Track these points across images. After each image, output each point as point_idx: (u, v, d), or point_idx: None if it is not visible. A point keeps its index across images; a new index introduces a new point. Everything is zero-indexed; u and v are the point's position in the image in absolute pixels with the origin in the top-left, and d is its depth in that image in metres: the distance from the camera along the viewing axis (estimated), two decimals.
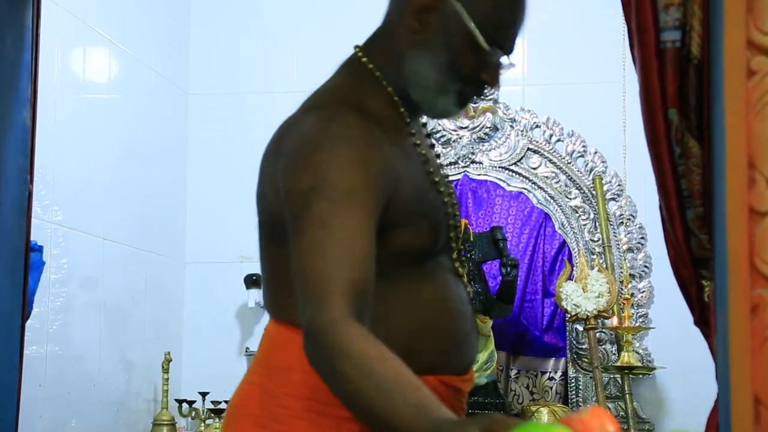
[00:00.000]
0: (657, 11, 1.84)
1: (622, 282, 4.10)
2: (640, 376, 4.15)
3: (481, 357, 3.99)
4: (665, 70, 1.84)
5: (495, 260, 4.13)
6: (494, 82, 1.69)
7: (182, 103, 4.61)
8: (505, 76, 1.73)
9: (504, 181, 4.41)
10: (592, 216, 4.32)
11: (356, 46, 1.74)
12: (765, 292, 1.51)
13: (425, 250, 1.68)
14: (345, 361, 1.44)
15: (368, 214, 1.55)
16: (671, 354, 4.14)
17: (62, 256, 3.57)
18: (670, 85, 1.84)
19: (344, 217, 1.53)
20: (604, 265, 4.17)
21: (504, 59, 1.69)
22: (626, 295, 4.04)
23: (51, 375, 3.47)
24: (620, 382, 4.10)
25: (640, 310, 4.25)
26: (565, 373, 4.26)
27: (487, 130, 4.45)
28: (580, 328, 4.20)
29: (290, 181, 1.58)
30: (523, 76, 4.52)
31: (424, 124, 1.84)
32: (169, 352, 4.07)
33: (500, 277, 4.05)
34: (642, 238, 4.29)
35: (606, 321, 4.11)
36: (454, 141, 4.45)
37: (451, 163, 4.44)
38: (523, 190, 4.39)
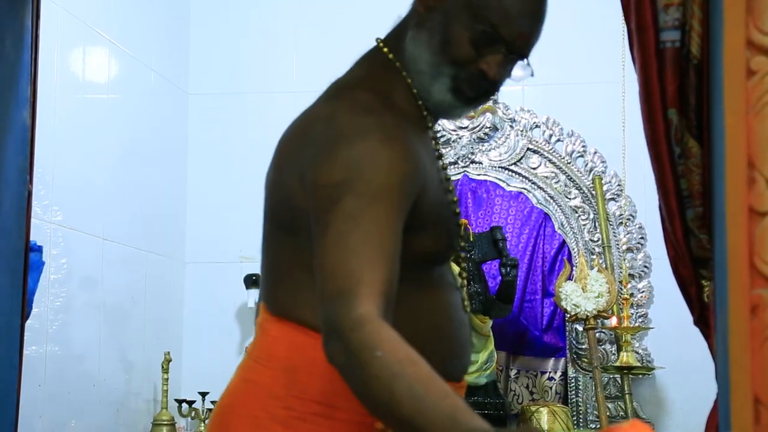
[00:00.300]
0: (657, 11, 1.84)
1: (621, 282, 4.10)
2: (640, 376, 4.15)
3: (481, 357, 3.99)
4: (665, 70, 1.84)
5: (495, 260, 4.14)
6: (493, 74, 1.65)
7: (182, 103, 4.61)
8: (524, 80, 1.70)
9: (504, 181, 4.41)
10: (591, 216, 4.32)
11: (378, 39, 1.71)
12: (765, 292, 1.51)
13: (439, 254, 1.66)
14: (374, 361, 1.39)
15: (397, 214, 1.52)
16: (671, 354, 4.14)
17: (62, 256, 3.56)
18: (669, 85, 1.84)
19: (374, 214, 1.49)
20: (604, 265, 4.17)
21: (521, 62, 1.69)
22: (626, 295, 4.04)
23: (51, 375, 3.47)
24: (620, 382, 4.10)
25: (639, 310, 4.25)
26: (564, 373, 4.26)
27: (487, 130, 4.45)
28: (580, 328, 4.20)
29: (321, 172, 1.53)
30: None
31: None
32: (168, 352, 4.07)
33: (500, 277, 4.05)
34: (641, 238, 4.29)
35: (605, 321, 4.11)
36: (453, 141, 4.45)
37: (450, 163, 4.44)
38: (523, 190, 4.39)
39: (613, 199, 4.34)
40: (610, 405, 4.13)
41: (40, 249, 2.97)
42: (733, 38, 1.55)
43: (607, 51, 4.12)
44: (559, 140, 4.41)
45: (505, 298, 4.05)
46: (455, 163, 4.44)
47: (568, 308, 4.00)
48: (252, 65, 4.66)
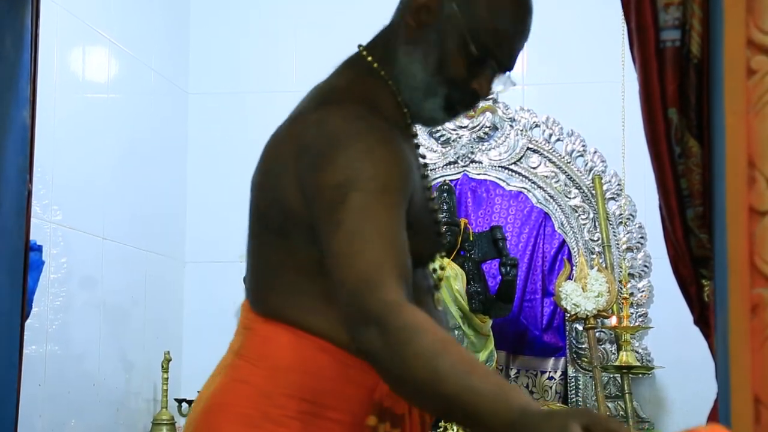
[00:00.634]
0: (657, 10, 1.84)
1: (621, 281, 4.10)
2: (640, 375, 4.15)
3: (481, 356, 3.99)
4: (665, 69, 1.84)
5: (494, 260, 4.14)
6: (485, 93, 1.71)
7: (182, 103, 4.61)
8: (505, 93, 1.74)
9: (504, 181, 4.41)
10: (591, 215, 4.32)
11: (360, 46, 1.74)
12: (765, 292, 1.51)
13: (422, 258, 1.68)
14: (415, 340, 1.41)
15: (402, 208, 1.56)
16: (671, 353, 4.14)
17: (62, 255, 3.56)
18: (669, 85, 1.84)
19: (382, 207, 1.53)
20: (604, 265, 4.17)
21: (503, 75, 1.72)
22: (625, 295, 4.04)
23: (51, 374, 3.47)
24: (620, 381, 4.10)
25: (639, 309, 4.25)
26: (564, 373, 4.26)
27: (487, 129, 4.45)
28: (580, 328, 4.20)
29: (323, 175, 1.56)
30: (522, 75, 4.52)
31: None
32: (168, 352, 4.07)
33: (500, 277, 4.05)
34: (641, 237, 4.29)
35: (605, 320, 4.11)
36: (453, 140, 4.45)
37: (450, 163, 4.44)
38: (523, 190, 4.39)
39: (613, 198, 4.34)
40: (610, 404, 4.13)
41: (40, 248, 2.97)
42: (733, 38, 1.55)
43: (607, 50, 4.12)
44: (559, 140, 4.41)
45: (505, 297, 4.05)
46: (455, 162, 4.44)
47: (568, 308, 4.00)
48: (252, 65, 4.66)
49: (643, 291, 4.27)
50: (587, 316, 3.99)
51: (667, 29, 1.85)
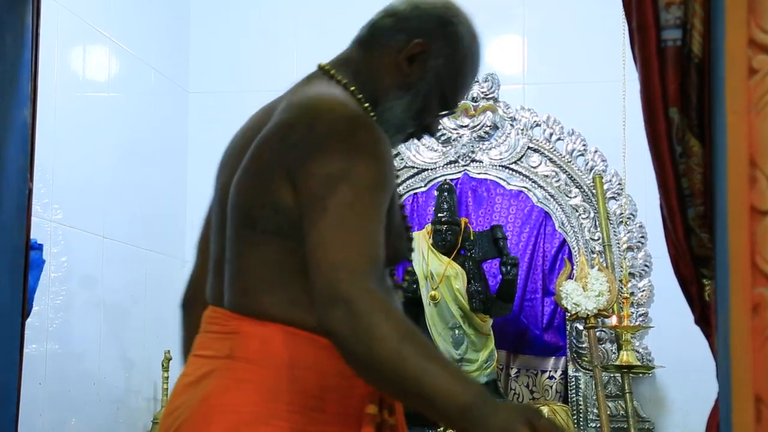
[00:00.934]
0: (658, 10, 1.84)
1: (622, 281, 4.10)
2: (640, 375, 4.15)
3: (481, 356, 3.99)
4: (666, 68, 1.83)
5: (495, 259, 4.14)
6: (434, 132, 1.92)
7: (182, 102, 4.61)
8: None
9: (504, 180, 4.41)
10: (592, 215, 4.32)
11: (322, 65, 1.88)
12: (766, 291, 1.51)
13: (390, 261, 1.76)
14: (382, 324, 1.53)
15: (383, 209, 1.65)
16: (671, 353, 4.14)
17: (62, 254, 3.56)
18: (671, 84, 1.84)
19: (367, 203, 1.62)
20: (604, 264, 4.17)
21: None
22: (626, 294, 4.04)
23: (51, 373, 3.47)
24: (620, 381, 4.10)
25: (640, 309, 4.25)
26: (565, 372, 4.26)
27: (488, 128, 4.45)
28: (580, 327, 4.20)
29: (317, 163, 1.64)
30: (523, 74, 4.52)
31: None
32: (169, 351, 4.07)
33: (500, 276, 4.05)
34: (642, 236, 4.29)
35: (606, 320, 4.11)
36: (454, 140, 4.45)
37: (451, 162, 4.44)
38: (524, 189, 4.39)
39: (613, 197, 4.34)
40: (610, 404, 4.13)
41: (40, 247, 2.97)
42: (734, 37, 1.55)
43: (608, 50, 4.12)
44: (559, 139, 4.41)
45: (506, 296, 4.05)
46: (455, 161, 4.44)
47: (569, 307, 4.00)
48: (252, 64, 4.66)
49: (643, 290, 4.27)
50: (588, 315, 3.99)
51: (669, 28, 1.84)
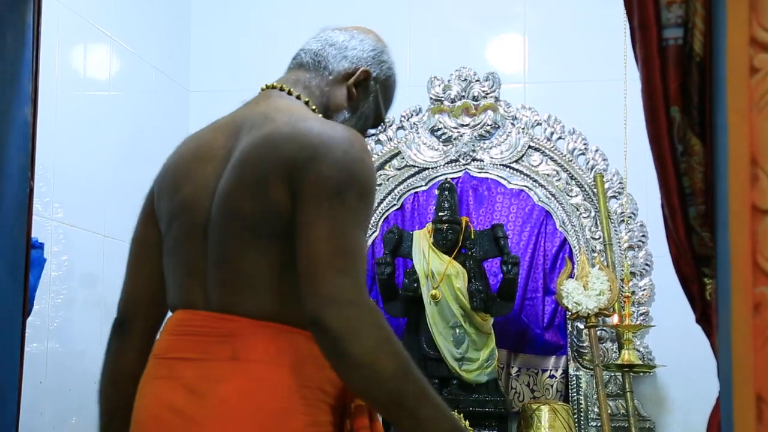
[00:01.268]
0: (659, 8, 1.84)
1: (623, 280, 4.10)
2: (641, 374, 4.15)
3: (482, 355, 3.99)
4: (667, 67, 1.83)
5: (496, 258, 4.14)
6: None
7: (183, 101, 4.61)
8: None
9: (505, 179, 4.41)
10: (593, 214, 4.31)
11: (273, 85, 2.08)
12: (767, 290, 1.51)
13: None
14: (387, 328, 1.70)
15: (370, 218, 1.82)
16: (672, 352, 4.14)
17: (63, 253, 3.56)
18: (672, 83, 1.83)
19: (363, 211, 1.78)
20: (605, 263, 4.17)
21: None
22: (627, 293, 4.04)
23: (52, 372, 3.47)
24: (621, 380, 4.10)
25: (641, 308, 4.25)
26: (565, 371, 4.26)
27: (488, 127, 4.45)
28: (581, 326, 4.20)
29: (323, 169, 1.77)
30: (524, 73, 4.52)
31: None
32: None
33: (501, 275, 4.05)
34: (643, 235, 4.29)
35: (607, 319, 4.11)
36: (455, 138, 4.45)
37: (452, 161, 4.44)
38: (524, 188, 4.39)
39: (614, 196, 4.34)
40: (611, 403, 4.13)
41: (41, 246, 2.97)
42: (736, 36, 1.55)
43: (609, 49, 4.12)
44: (560, 138, 4.41)
45: (507, 295, 4.05)
46: (456, 160, 4.44)
47: (570, 306, 4.00)
48: (253, 63, 4.66)
49: (644, 289, 4.27)
50: (588, 314, 3.99)
51: (670, 27, 1.84)
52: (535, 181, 4.37)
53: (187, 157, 2.03)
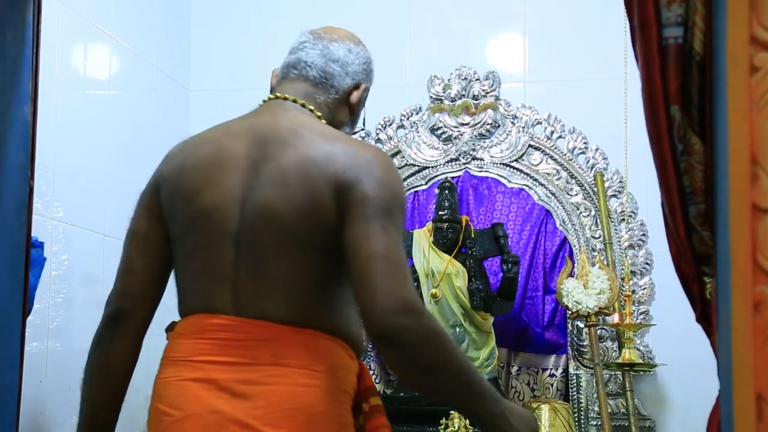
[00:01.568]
0: (659, 8, 1.84)
1: (623, 279, 4.10)
2: (641, 373, 4.15)
3: (482, 354, 3.99)
4: (667, 66, 1.83)
5: (496, 257, 4.14)
6: None
7: (183, 100, 4.60)
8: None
9: (505, 178, 4.40)
10: (593, 213, 4.31)
11: (289, 97, 2.15)
12: (767, 289, 1.51)
13: None
14: (444, 331, 1.88)
15: None
16: (672, 351, 4.14)
17: (63, 252, 3.56)
18: (672, 82, 1.83)
19: (403, 228, 1.95)
20: (605, 262, 4.17)
21: None
22: (627, 292, 4.04)
23: (52, 371, 3.47)
24: (621, 379, 4.10)
25: (641, 307, 4.25)
26: (566, 370, 4.26)
27: (488, 126, 4.45)
28: (581, 325, 4.19)
29: (370, 190, 1.92)
30: (524, 72, 4.52)
31: None
32: None
33: (501, 274, 4.05)
34: (643, 234, 4.29)
35: (607, 318, 4.11)
36: (455, 137, 4.45)
37: (452, 160, 4.44)
38: (524, 187, 4.39)
39: (614, 195, 4.34)
40: (611, 402, 4.13)
41: (41, 245, 2.97)
42: (736, 35, 1.55)
43: (609, 48, 4.11)
44: (560, 137, 4.41)
45: (507, 294, 4.05)
46: (456, 159, 4.44)
47: (570, 305, 4.00)
48: (253, 63, 4.66)
49: (644, 288, 4.27)
50: (589, 313, 3.99)
51: (670, 26, 1.84)
52: (535, 180, 4.37)
53: (207, 162, 2.06)
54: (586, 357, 4.19)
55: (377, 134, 4.51)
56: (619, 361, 3.98)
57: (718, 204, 1.74)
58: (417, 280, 4.03)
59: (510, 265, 4.01)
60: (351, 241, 1.86)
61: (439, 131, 4.46)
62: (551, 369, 4.28)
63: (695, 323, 2.02)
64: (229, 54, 4.69)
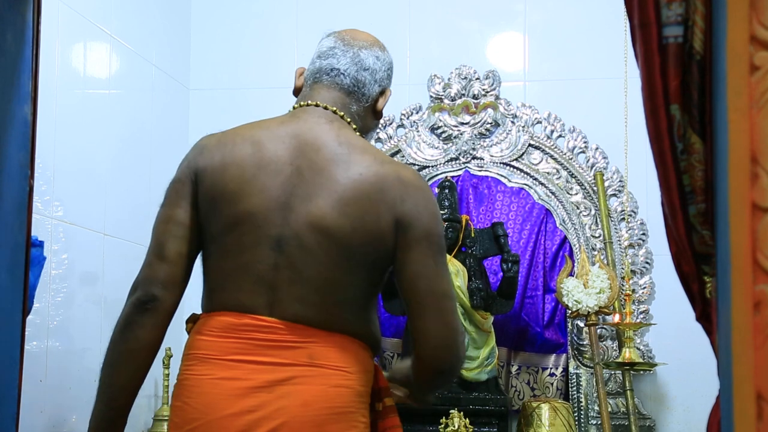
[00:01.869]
0: (659, 7, 1.84)
1: (623, 278, 4.10)
2: (641, 372, 4.15)
3: (482, 353, 3.99)
4: (667, 65, 1.83)
5: (496, 256, 4.14)
6: None
7: (183, 99, 4.60)
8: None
9: (505, 177, 4.40)
10: (593, 212, 4.31)
11: (331, 108, 2.22)
12: (767, 288, 1.51)
13: None
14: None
15: None
16: (672, 350, 4.14)
17: (63, 251, 3.56)
18: (672, 81, 1.83)
19: None
20: (605, 261, 4.17)
21: None
22: (627, 291, 4.04)
23: (52, 370, 3.47)
24: (621, 378, 4.10)
25: (641, 306, 4.25)
26: (566, 369, 4.26)
27: (489, 125, 4.45)
28: (581, 324, 4.19)
29: (433, 223, 2.13)
30: (524, 71, 4.52)
31: None
32: (169, 348, 4.07)
33: (501, 273, 4.05)
34: (643, 234, 4.29)
35: (607, 317, 4.11)
36: (455, 137, 4.45)
37: (452, 159, 4.44)
38: (524, 186, 4.39)
39: (614, 195, 4.34)
40: (611, 401, 4.13)
41: (41, 244, 2.97)
42: (736, 34, 1.55)
43: (609, 47, 4.12)
44: (560, 136, 4.41)
45: (507, 294, 4.05)
46: (456, 158, 4.43)
47: (570, 304, 4.00)
48: (253, 61, 4.66)
49: (644, 288, 4.27)
50: (589, 312, 3.99)
51: (670, 25, 1.84)
52: (535, 179, 4.37)
53: (249, 164, 2.12)
54: (586, 356, 4.19)
55: (377, 133, 4.51)
56: (619, 360, 3.98)
57: (718, 203, 1.73)
58: None
59: (510, 265, 4.01)
60: (406, 265, 2.08)
61: (439, 130, 4.46)
62: (551, 368, 4.28)
63: (695, 322, 2.02)
64: (229, 53, 4.69)
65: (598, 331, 4.13)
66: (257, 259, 2.05)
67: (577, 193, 4.35)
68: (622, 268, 4.15)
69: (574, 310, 4.01)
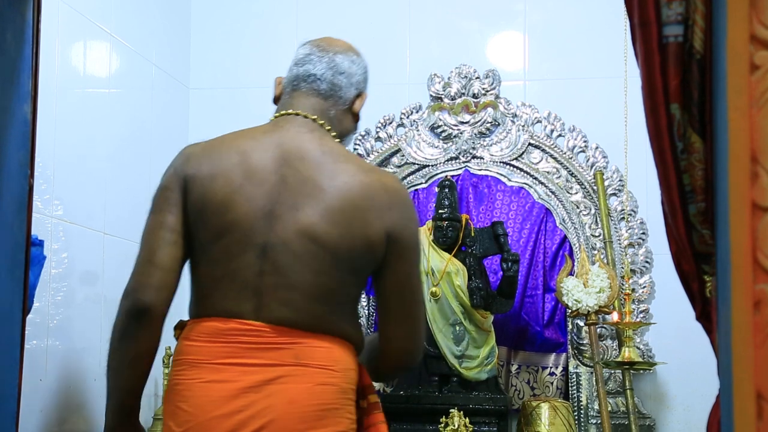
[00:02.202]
0: (659, 6, 1.84)
1: (623, 277, 4.10)
2: (641, 371, 4.15)
3: (482, 352, 3.99)
4: (667, 64, 1.83)
5: (496, 255, 4.14)
6: None
7: (183, 98, 4.60)
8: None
9: (505, 176, 4.40)
10: (593, 211, 4.31)
11: (310, 117, 2.28)
12: (767, 287, 1.51)
13: None
14: None
15: None
16: (672, 349, 4.13)
17: (63, 250, 3.56)
18: (672, 80, 1.83)
19: None
20: (605, 261, 4.17)
21: None
22: (627, 291, 4.04)
23: (52, 369, 3.47)
24: (621, 377, 4.10)
25: (641, 305, 4.25)
26: (565, 369, 4.26)
27: (488, 125, 4.44)
28: (581, 324, 4.19)
29: (416, 232, 2.27)
30: (524, 71, 4.52)
31: None
32: (169, 347, 4.07)
33: (501, 273, 4.05)
34: (643, 233, 4.29)
35: (607, 316, 4.11)
36: (455, 136, 4.45)
37: (451, 158, 4.44)
38: (524, 186, 4.39)
39: (614, 194, 4.34)
40: (611, 400, 4.13)
41: (41, 243, 2.97)
42: (736, 33, 1.55)
43: (610, 46, 4.11)
44: (560, 135, 4.41)
45: (507, 293, 4.05)
46: (456, 158, 4.43)
47: (570, 303, 4.00)
48: (253, 61, 4.66)
49: (644, 287, 4.27)
50: (588, 311, 3.99)
51: (670, 25, 1.84)
52: (535, 178, 4.37)
53: (236, 174, 2.18)
54: (586, 355, 4.19)
55: (377, 132, 4.51)
56: (619, 359, 3.97)
57: (718, 202, 1.73)
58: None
59: (510, 264, 4.01)
60: (391, 273, 2.20)
61: (439, 129, 4.46)
62: (551, 367, 4.28)
63: (695, 322, 2.02)
64: (229, 52, 4.69)
65: (598, 330, 4.13)
66: (243, 266, 2.11)
67: (577, 193, 4.35)
68: (622, 268, 4.15)
69: (574, 309, 4.01)
